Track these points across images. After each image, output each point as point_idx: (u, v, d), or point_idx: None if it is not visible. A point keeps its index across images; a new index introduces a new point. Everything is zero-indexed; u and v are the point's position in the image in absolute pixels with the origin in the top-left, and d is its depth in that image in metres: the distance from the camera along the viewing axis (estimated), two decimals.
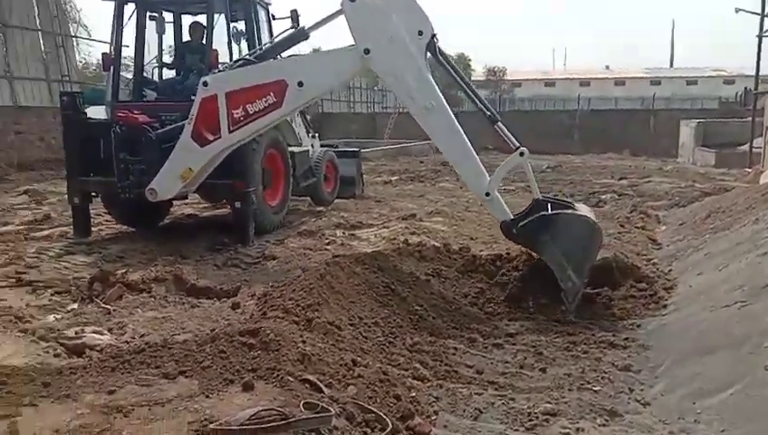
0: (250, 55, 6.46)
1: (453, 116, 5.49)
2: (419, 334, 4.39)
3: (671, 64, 75.05)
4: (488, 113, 5.49)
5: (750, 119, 17.13)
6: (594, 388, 3.69)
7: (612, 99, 47.58)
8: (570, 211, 5.20)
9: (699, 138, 20.60)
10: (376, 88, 35.55)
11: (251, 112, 6.07)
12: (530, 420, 3.27)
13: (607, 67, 74.98)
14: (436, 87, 5.51)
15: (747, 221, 6.57)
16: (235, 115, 6.11)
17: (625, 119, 27.69)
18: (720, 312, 4.20)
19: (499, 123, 5.43)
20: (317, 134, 10.89)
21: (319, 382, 3.18)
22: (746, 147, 17.41)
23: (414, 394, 3.46)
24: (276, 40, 6.56)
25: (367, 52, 5.52)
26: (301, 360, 3.31)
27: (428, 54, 5.52)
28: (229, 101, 6.09)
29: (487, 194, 5.29)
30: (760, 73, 17.37)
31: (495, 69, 54.83)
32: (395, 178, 14.93)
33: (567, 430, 3.19)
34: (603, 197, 11.64)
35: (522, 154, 5.26)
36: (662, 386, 3.66)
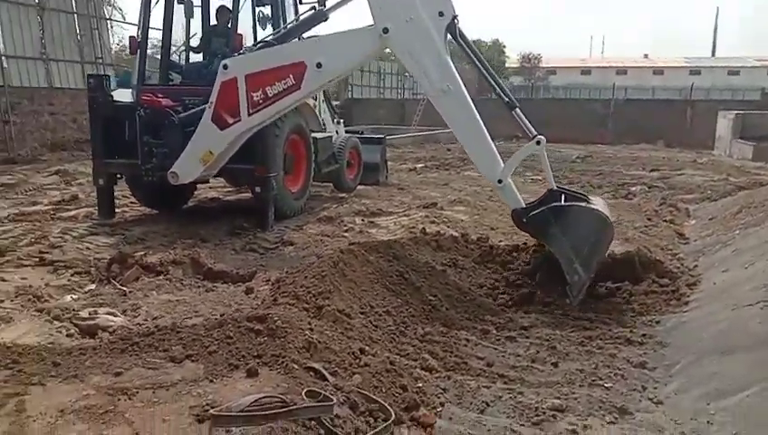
0: (270, 38, 6.45)
1: (470, 100, 5.41)
2: (431, 325, 4.36)
3: (713, 54, 72.90)
4: (506, 99, 5.40)
5: None
6: (606, 384, 3.62)
7: (650, 88, 46.43)
8: (582, 204, 5.08)
9: (737, 130, 19.94)
10: (406, 74, 35.30)
11: (270, 95, 6.08)
12: (537, 416, 3.22)
13: (645, 56, 73.19)
14: (455, 70, 5.42)
15: None
16: (254, 98, 6.13)
17: (661, 109, 26.92)
18: (742, 311, 4.06)
19: (517, 109, 5.34)
20: (342, 120, 10.86)
21: (324, 371, 3.18)
22: None
23: (421, 385, 3.43)
24: (295, 22, 6.51)
25: (386, 31, 5.47)
26: (307, 347, 3.31)
27: (449, 37, 5.44)
28: (248, 84, 6.11)
29: (500, 181, 5.23)
30: None
31: (530, 56, 54.06)
32: (420, 165, 14.83)
33: (574, 427, 3.13)
34: (633, 189, 11.37)
35: (538, 143, 5.16)
36: (676, 385, 3.56)
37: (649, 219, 8.32)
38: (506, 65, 51.98)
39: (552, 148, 20.93)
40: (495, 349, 4.16)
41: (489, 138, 5.37)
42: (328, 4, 6.41)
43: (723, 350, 3.68)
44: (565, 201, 5.08)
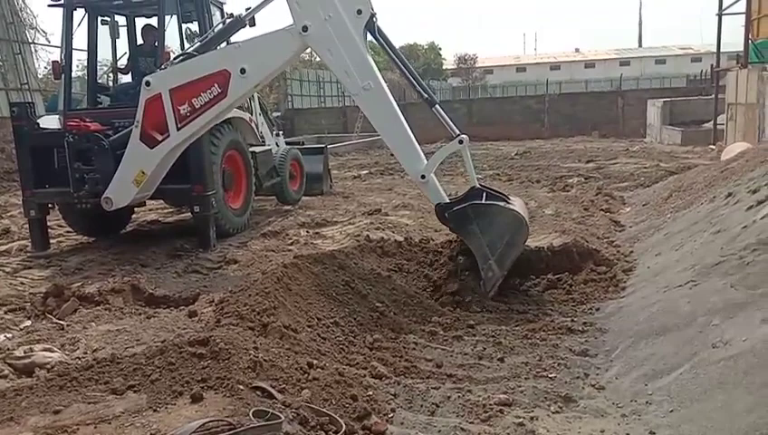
0: (191, 49, 6.38)
1: (391, 98, 5.52)
2: (380, 331, 4.38)
3: (639, 44, 75.84)
4: (426, 96, 5.52)
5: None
6: (550, 375, 3.72)
7: (582, 82, 47.98)
8: (501, 203, 5.23)
9: (666, 117, 20.87)
10: None
11: (197, 106, 6.05)
12: (485, 412, 3.28)
13: (577, 50, 75.59)
14: (375, 67, 5.51)
15: (705, 199, 6.68)
16: (181, 111, 6.09)
17: (593, 101, 27.88)
18: (672, 292, 4.25)
19: (437, 106, 5.48)
20: (282, 132, 10.81)
21: (271, 389, 3.15)
22: (711, 124, 17.69)
23: (371, 393, 3.44)
24: (215, 31, 6.45)
25: (305, 29, 5.52)
26: (252, 367, 3.27)
27: (369, 37, 5.53)
28: (174, 98, 6.07)
29: (423, 177, 5.33)
30: (723, 51, 17.62)
31: (466, 56, 55.01)
32: (364, 172, 14.90)
33: (521, 420, 3.20)
34: (570, 181, 11.73)
35: (461, 142, 5.30)
36: (616, 369, 3.70)
37: (586, 209, 8.60)
38: (443, 67, 52.76)
39: (492, 146, 21.46)
40: (444, 349, 4.22)
41: (412, 135, 5.47)
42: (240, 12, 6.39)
43: (657, 331, 3.84)
44: (486, 199, 5.22)
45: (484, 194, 5.28)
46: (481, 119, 27.18)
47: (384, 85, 5.50)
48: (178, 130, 6.17)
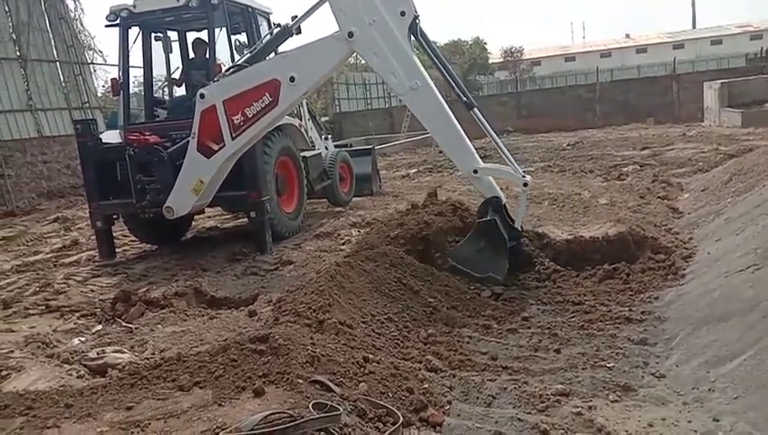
0: (241, 61, 6.57)
1: (439, 95, 5.55)
2: (434, 326, 4.43)
3: (693, 26, 72.99)
4: (464, 99, 5.54)
5: None
6: (608, 365, 3.69)
7: (635, 68, 46.58)
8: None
9: (724, 99, 20.03)
10: None
11: (250, 116, 6.21)
12: (542, 402, 3.28)
13: (627, 36, 73.33)
14: (422, 67, 5.55)
15: (767, 182, 6.43)
16: (235, 121, 6.27)
17: (646, 87, 27.03)
18: (734, 277, 4.13)
19: (475, 110, 5.49)
20: (330, 136, 10.97)
21: (329, 382, 3.24)
22: None
23: (427, 386, 3.49)
24: (263, 42, 6.61)
25: (351, 35, 5.61)
26: (310, 362, 3.37)
27: (412, 37, 5.59)
28: (228, 109, 6.25)
29: (475, 171, 5.35)
30: None
31: (512, 49, 54.18)
32: (413, 170, 14.92)
33: (579, 409, 3.18)
34: (624, 169, 11.43)
35: (525, 185, 5.35)
36: (677, 357, 3.63)
37: (642, 197, 8.38)
38: (490, 61, 52.15)
39: (543, 138, 21.12)
40: (498, 342, 4.23)
41: (462, 131, 5.50)
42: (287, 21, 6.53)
43: (718, 318, 3.75)
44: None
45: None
46: (530, 111, 26.79)
47: (431, 84, 5.53)
48: (233, 139, 6.35)
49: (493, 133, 5.54)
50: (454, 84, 5.62)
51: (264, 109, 6.15)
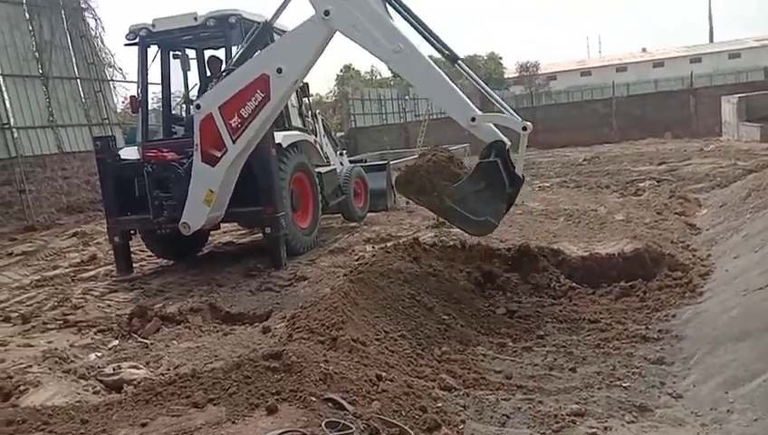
0: (229, 65, 6.66)
1: (424, 54, 5.59)
2: (448, 344, 4.41)
3: (710, 40, 72.58)
4: (446, 52, 5.59)
5: None
6: (624, 384, 3.65)
7: (651, 82, 46.35)
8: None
9: (742, 113, 19.85)
10: (407, 97, 35.62)
11: (246, 116, 6.34)
12: (557, 423, 3.25)
13: (644, 50, 73.08)
14: (400, 30, 5.60)
15: None
16: (232, 124, 6.41)
17: (663, 101, 26.85)
18: (753, 295, 4.08)
19: (459, 62, 5.54)
20: (345, 151, 11.03)
21: (342, 400, 3.24)
22: None
23: (440, 405, 3.47)
24: (247, 42, 6.61)
25: (327, 14, 5.70)
26: (323, 379, 3.37)
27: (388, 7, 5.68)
28: (224, 114, 6.39)
29: (473, 119, 5.30)
30: None
31: (528, 64, 54.24)
32: None
33: (594, 430, 3.16)
34: (641, 184, 11.36)
35: (524, 129, 5.18)
36: (695, 377, 3.58)
37: (659, 213, 8.32)
38: (505, 76, 52.20)
39: (559, 152, 21.05)
40: (513, 361, 4.20)
41: (453, 84, 5.53)
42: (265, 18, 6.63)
43: (737, 337, 3.69)
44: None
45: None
46: (546, 125, 26.62)
47: (413, 44, 5.57)
48: (234, 142, 6.47)
49: (483, 84, 5.57)
50: (434, 40, 5.64)
51: (258, 105, 6.28)
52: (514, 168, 5.25)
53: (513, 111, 5.43)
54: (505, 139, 5.27)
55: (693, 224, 7.64)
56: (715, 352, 3.68)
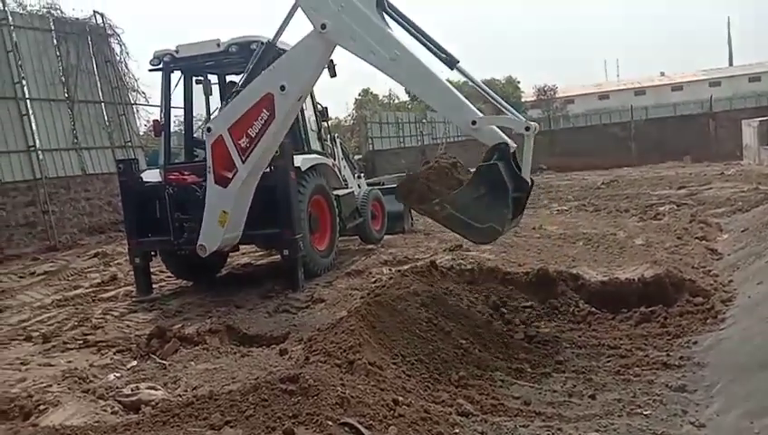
0: (236, 88, 6.76)
1: (422, 60, 5.57)
2: (465, 368, 4.36)
3: (730, 63, 72.23)
4: (444, 56, 5.54)
5: None
6: (645, 412, 3.59)
7: (670, 105, 46.12)
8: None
9: (763, 137, 19.65)
10: (424, 120, 35.82)
11: (253, 135, 6.46)
12: None
13: (662, 73, 72.89)
14: (397, 38, 5.62)
15: None
16: (241, 145, 6.52)
17: (683, 125, 26.72)
18: None
19: (459, 65, 5.49)
20: (363, 174, 11.09)
21: (358, 425, 3.22)
22: None
23: (458, 431, 3.45)
24: (252, 63, 6.68)
25: (324, 27, 5.76)
26: (340, 403, 3.36)
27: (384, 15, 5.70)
28: (233, 135, 6.51)
29: (474, 123, 5.23)
30: None
31: (545, 87, 54.31)
32: None
33: None
34: (661, 209, 11.25)
35: (527, 129, 5.06)
36: (718, 406, 3.51)
37: (679, 238, 8.23)
38: (522, 100, 52.30)
39: (577, 176, 20.97)
40: (532, 387, 4.15)
41: (452, 87, 5.52)
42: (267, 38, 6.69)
43: (761, 365, 3.62)
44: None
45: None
46: (564, 149, 26.64)
47: (410, 51, 5.58)
48: (243, 162, 6.57)
49: (483, 86, 5.55)
50: (432, 45, 5.63)
51: (265, 124, 6.39)
52: (520, 171, 5.07)
53: (516, 112, 5.37)
54: (510, 141, 5.11)
55: (714, 249, 7.54)
56: (739, 381, 3.62)
